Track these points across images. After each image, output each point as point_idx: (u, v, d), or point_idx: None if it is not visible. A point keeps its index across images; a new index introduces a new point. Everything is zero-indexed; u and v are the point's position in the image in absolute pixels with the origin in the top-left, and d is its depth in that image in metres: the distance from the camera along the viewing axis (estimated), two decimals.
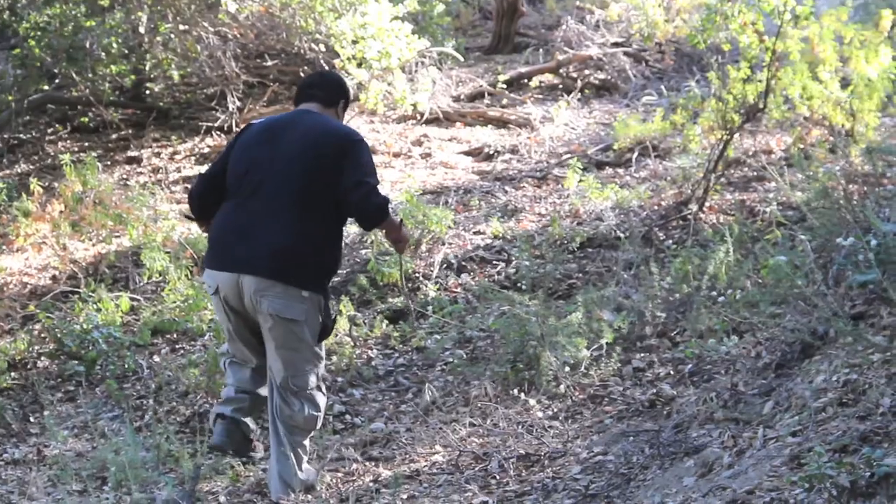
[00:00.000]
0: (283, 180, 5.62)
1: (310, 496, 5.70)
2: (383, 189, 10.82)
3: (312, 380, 5.74)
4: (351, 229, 9.88)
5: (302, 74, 14.07)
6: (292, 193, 5.59)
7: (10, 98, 13.17)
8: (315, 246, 5.62)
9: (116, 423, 7.16)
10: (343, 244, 5.95)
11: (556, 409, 6.66)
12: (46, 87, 13.49)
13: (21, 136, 13.69)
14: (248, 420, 6.01)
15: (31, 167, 12.80)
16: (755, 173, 10.36)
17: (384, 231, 6.21)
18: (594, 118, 13.47)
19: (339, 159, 5.62)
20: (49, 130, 13.91)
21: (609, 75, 14.74)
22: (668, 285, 7.90)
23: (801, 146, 10.35)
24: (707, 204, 9.57)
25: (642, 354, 7.30)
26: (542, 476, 5.54)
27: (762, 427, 5.11)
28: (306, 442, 5.83)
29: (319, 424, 5.88)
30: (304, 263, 5.57)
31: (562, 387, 6.86)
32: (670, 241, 9.09)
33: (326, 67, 13.55)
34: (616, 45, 15.41)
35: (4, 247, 9.68)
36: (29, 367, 8.08)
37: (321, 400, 5.80)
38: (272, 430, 5.75)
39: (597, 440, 5.91)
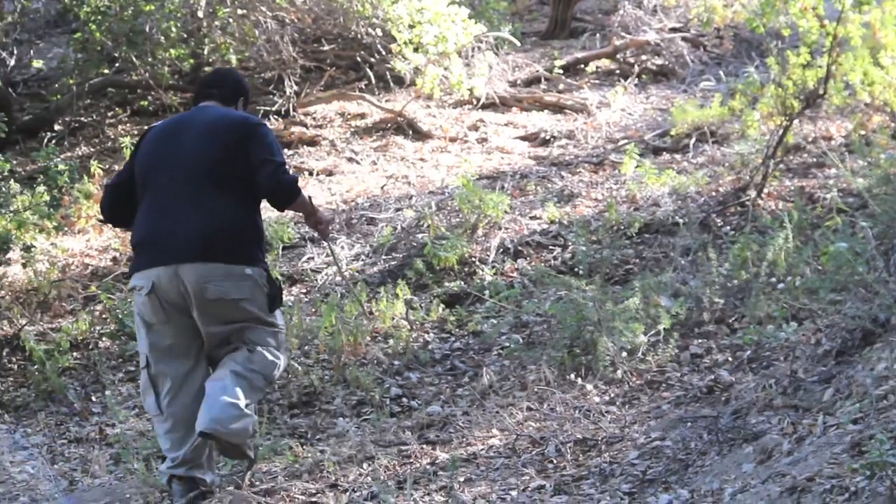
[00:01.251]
0: (193, 170, 5.54)
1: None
2: (291, 168, 10.92)
3: (272, 341, 5.62)
4: (406, 214, 9.92)
5: (359, 59, 14.13)
6: (203, 180, 5.52)
7: (71, 82, 13.29)
8: (240, 224, 5.54)
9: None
10: (262, 221, 5.77)
11: (613, 395, 6.65)
12: (107, 71, 13.60)
13: (82, 119, 13.82)
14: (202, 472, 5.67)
15: (92, 150, 12.92)
16: (815, 160, 10.29)
17: (302, 214, 6.16)
18: (651, 104, 13.42)
19: (243, 143, 5.56)
20: (109, 114, 14.03)
21: (666, 61, 14.67)
22: (726, 271, 7.86)
23: (862, 132, 10.27)
24: (766, 190, 9.51)
25: (700, 340, 7.28)
26: (600, 461, 5.54)
27: (822, 414, 5.09)
28: (260, 395, 5.62)
29: (275, 379, 5.75)
30: (236, 241, 5.50)
31: (619, 372, 6.85)
32: (728, 228, 9.05)
33: (383, 52, 13.61)
34: (674, 30, 15.32)
35: (66, 228, 9.78)
36: (90, 347, 8.18)
37: (281, 357, 5.67)
38: (210, 381, 5.45)
39: (654, 425, 5.90)
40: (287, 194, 5.67)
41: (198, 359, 5.62)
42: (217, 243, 5.44)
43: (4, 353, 8.34)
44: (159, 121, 6.26)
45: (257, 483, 5.77)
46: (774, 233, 8.01)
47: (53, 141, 12.98)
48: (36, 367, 7.79)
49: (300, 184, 5.85)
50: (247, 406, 5.37)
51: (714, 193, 9.77)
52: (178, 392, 5.55)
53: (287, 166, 5.69)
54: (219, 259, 5.44)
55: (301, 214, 6.31)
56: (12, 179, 9.25)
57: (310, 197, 5.97)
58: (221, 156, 5.52)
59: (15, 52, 15.06)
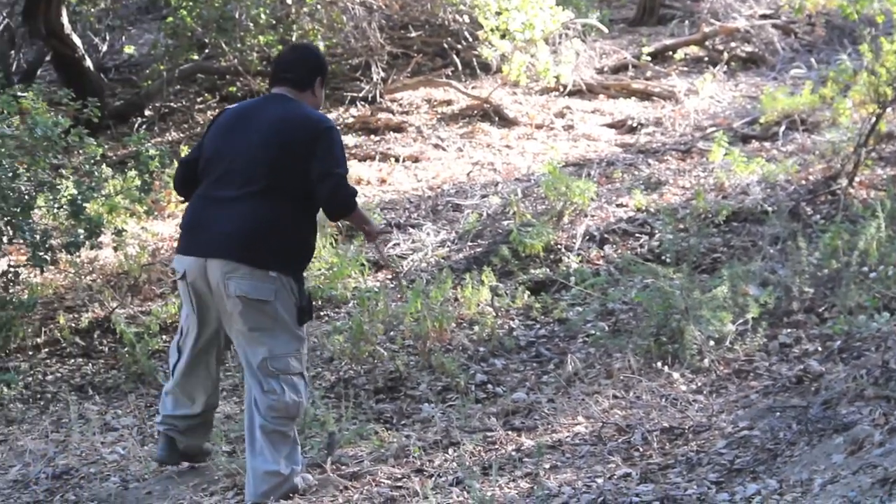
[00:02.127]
0: (248, 166, 5.48)
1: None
2: (352, 180, 10.89)
3: (294, 364, 5.52)
4: (492, 201, 9.92)
5: (445, 45, 14.14)
6: (257, 179, 5.44)
7: (161, 67, 13.46)
8: (281, 229, 5.43)
9: None
10: (316, 232, 5.75)
11: (700, 383, 6.61)
12: (196, 57, 13.75)
13: (172, 104, 13.98)
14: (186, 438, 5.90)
15: (182, 135, 13.07)
16: None
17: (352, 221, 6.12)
18: (740, 91, 13.29)
19: (307, 147, 5.44)
20: (198, 99, 14.18)
21: (756, 48, 14.51)
22: (816, 261, 7.77)
23: None
24: (857, 179, 9.39)
25: (789, 330, 7.21)
26: (686, 449, 5.51)
27: None
28: (291, 434, 5.55)
29: (301, 413, 5.65)
30: (269, 245, 5.41)
31: (706, 361, 6.80)
32: (818, 216, 8.94)
33: (470, 38, 13.61)
34: (764, 16, 15.14)
35: (156, 212, 9.90)
36: None
37: (302, 388, 5.55)
38: (247, 428, 5.54)
39: (742, 415, 5.85)
40: (343, 209, 5.63)
41: (217, 349, 5.79)
42: (249, 245, 5.39)
43: (96, 336, 8.47)
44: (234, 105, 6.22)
45: (343, 467, 5.81)
46: (866, 222, 7.91)
47: (144, 126, 13.16)
48: (126, 349, 7.90)
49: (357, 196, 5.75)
50: (285, 464, 5.46)
51: (804, 182, 9.66)
52: (189, 370, 5.76)
53: (348, 177, 5.62)
54: (245, 260, 5.39)
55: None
56: (104, 164, 9.37)
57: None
58: (282, 157, 5.44)
59: (107, 38, 15.31)
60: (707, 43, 14.77)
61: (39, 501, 5.83)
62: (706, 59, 14.50)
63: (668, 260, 8.32)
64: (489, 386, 7.14)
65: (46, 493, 5.94)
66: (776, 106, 11.52)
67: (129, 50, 15.68)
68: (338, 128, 5.72)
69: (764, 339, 7.01)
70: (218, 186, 5.56)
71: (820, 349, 6.77)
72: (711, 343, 6.94)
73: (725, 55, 14.30)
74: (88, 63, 13.32)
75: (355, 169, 11.52)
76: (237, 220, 5.42)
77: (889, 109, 9.65)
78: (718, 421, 5.84)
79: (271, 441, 5.44)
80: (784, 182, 9.65)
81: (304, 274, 5.72)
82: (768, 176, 9.68)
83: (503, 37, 12.65)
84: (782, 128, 11.33)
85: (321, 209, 5.58)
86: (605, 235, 9.15)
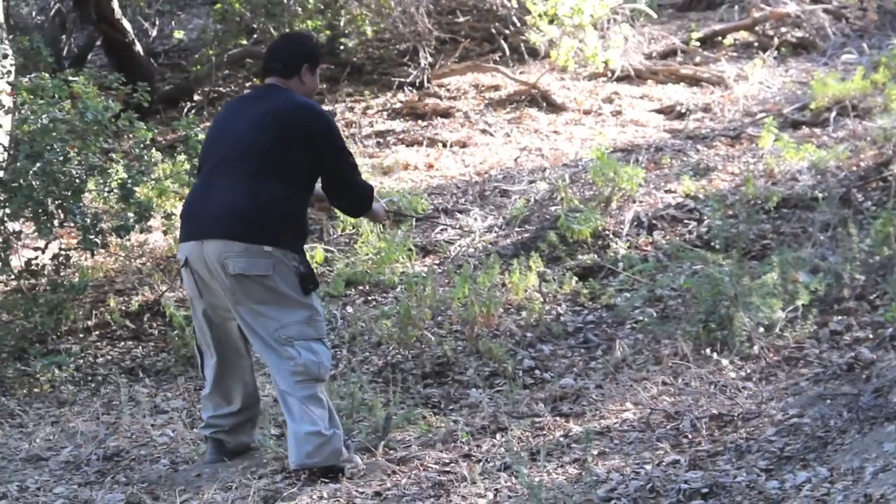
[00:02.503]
0: (243, 155, 5.55)
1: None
2: (400, 166, 11.08)
3: (308, 330, 5.55)
4: (539, 186, 9.90)
5: (493, 31, 14.11)
6: (251, 165, 5.51)
7: (210, 52, 13.53)
8: (273, 207, 5.49)
9: None
10: (306, 210, 5.76)
11: (749, 370, 6.58)
12: (245, 42, 13.79)
13: (220, 89, 14.02)
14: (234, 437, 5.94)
15: None
16: None
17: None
18: (790, 77, 13.17)
19: (303, 138, 5.54)
20: (247, 84, 14.21)
21: (807, 33, 14.37)
22: (867, 247, 7.71)
23: None
24: None
25: (840, 317, 7.16)
26: (736, 437, 5.49)
27: None
28: (322, 398, 5.56)
29: (326, 375, 5.64)
30: (262, 222, 5.46)
31: (755, 348, 6.77)
32: (870, 203, 8.86)
33: (518, 24, 13.59)
34: (815, 1, 14.98)
35: None
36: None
37: (321, 351, 5.57)
38: (280, 403, 5.60)
39: (792, 402, 5.82)
40: (359, 207, 5.98)
41: (239, 339, 5.78)
42: (240, 222, 5.45)
43: (145, 319, 8.54)
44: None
45: (391, 451, 5.82)
46: None
47: (193, 110, 13.23)
48: (176, 332, 7.95)
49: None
50: (326, 425, 5.49)
51: (855, 168, 9.57)
52: (221, 368, 5.80)
53: (358, 169, 5.84)
54: (238, 237, 5.44)
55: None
56: (154, 148, 9.43)
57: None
58: (275, 145, 5.51)
59: (157, 22, 15.38)
60: (757, 28, 14.64)
61: (90, 482, 5.87)
62: (756, 44, 14.38)
63: (717, 246, 8.28)
64: (537, 371, 7.15)
65: (97, 474, 5.99)
66: (827, 92, 11.41)
67: (178, 35, 15.74)
68: (328, 113, 5.86)
69: (814, 326, 6.97)
70: (214, 174, 5.65)
71: (871, 336, 6.72)
72: (761, 330, 6.90)
73: (776, 40, 14.18)
74: (138, 48, 13.41)
75: (403, 154, 11.54)
76: (230, 201, 5.50)
77: None
78: (768, 408, 5.81)
79: (305, 405, 5.48)
80: (835, 168, 9.57)
81: (306, 248, 5.80)
82: (819, 162, 9.59)
83: (551, 22, 12.62)
84: (833, 114, 11.23)
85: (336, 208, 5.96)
86: (654, 221, 9.11)
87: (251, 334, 5.60)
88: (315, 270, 5.82)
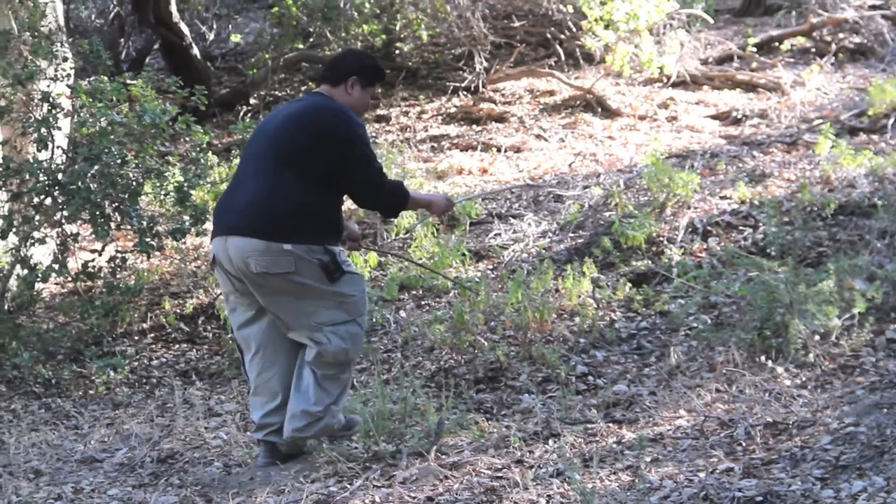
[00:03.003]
0: (271, 151, 5.66)
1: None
2: (454, 171, 11.02)
3: (339, 314, 5.72)
4: (593, 192, 9.87)
5: (549, 36, 14.10)
6: (278, 162, 5.60)
7: (266, 56, 13.61)
8: (294, 200, 5.57)
9: (364, 376, 7.35)
10: (337, 210, 5.80)
11: (804, 378, 6.52)
12: (301, 46, 13.87)
13: (276, 93, 14.11)
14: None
15: None
16: None
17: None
18: (848, 83, 13.07)
19: (326, 141, 5.61)
20: (303, 88, 14.29)
21: (865, 39, 14.26)
22: None
23: None
24: None
25: None
26: (790, 445, 5.44)
27: None
28: (342, 376, 5.83)
29: (356, 357, 5.88)
30: (282, 217, 5.54)
31: (811, 356, 6.71)
32: None
33: (573, 28, 13.57)
34: (874, 7, 14.87)
35: None
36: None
37: (354, 333, 5.78)
38: (297, 369, 5.81)
39: (848, 411, 5.76)
40: (394, 211, 6.05)
41: (276, 330, 5.83)
42: (259, 218, 5.56)
43: (200, 322, 8.60)
44: None
45: (443, 456, 5.82)
46: None
47: (249, 114, 13.32)
48: (230, 335, 7.98)
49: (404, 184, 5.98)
50: (326, 406, 5.76)
51: None
52: (261, 362, 5.87)
53: (382, 174, 5.81)
54: (257, 234, 5.54)
55: None
56: (210, 152, 9.49)
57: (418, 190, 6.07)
58: (302, 144, 5.61)
59: (214, 26, 15.50)
60: (814, 34, 14.55)
61: (145, 484, 5.92)
62: (813, 50, 14.30)
63: (772, 253, 8.22)
64: (590, 377, 7.12)
65: (151, 476, 6.04)
66: (885, 98, 11.32)
67: (235, 38, 15.86)
68: (357, 120, 5.80)
69: (871, 334, 6.90)
70: (243, 173, 5.81)
71: None
72: (816, 338, 6.84)
73: (833, 46, 14.09)
74: (195, 51, 13.51)
75: (457, 158, 11.55)
76: (251, 197, 5.62)
77: None
78: (823, 416, 5.76)
79: (319, 382, 5.74)
80: (893, 175, 9.47)
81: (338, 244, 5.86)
82: (876, 169, 9.51)
83: (607, 27, 12.60)
84: (891, 120, 11.13)
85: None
86: (709, 228, 9.06)
87: (283, 324, 5.76)
88: (362, 267, 5.86)
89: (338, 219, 5.80)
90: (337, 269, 5.67)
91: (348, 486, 5.47)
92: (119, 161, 8.13)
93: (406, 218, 9.26)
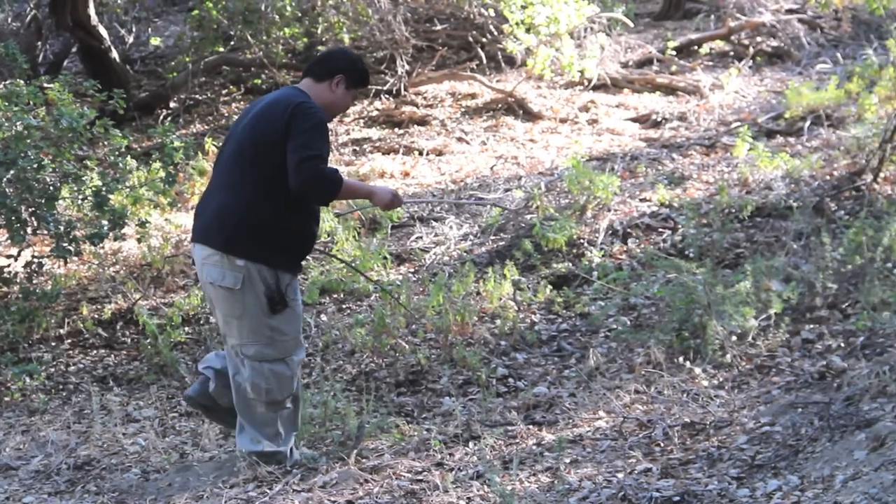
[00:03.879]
0: (237, 152, 5.59)
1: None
2: (376, 174, 10.93)
3: (268, 351, 5.60)
4: (515, 194, 9.90)
5: (470, 39, 14.12)
6: (243, 164, 5.53)
7: (187, 59, 13.49)
8: (259, 217, 5.48)
9: None
10: (309, 221, 5.67)
11: (721, 379, 6.59)
12: (222, 49, 13.76)
13: (197, 96, 14.00)
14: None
15: (206, 127, 13.09)
16: None
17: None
18: (765, 86, 13.24)
19: (282, 130, 5.45)
20: (223, 91, 14.20)
21: (782, 42, 14.45)
22: (839, 256, 7.74)
23: None
24: (882, 174, 9.34)
25: (812, 326, 7.18)
26: (707, 445, 5.49)
27: None
28: (262, 412, 5.66)
29: (280, 398, 5.66)
30: (243, 233, 5.47)
31: (728, 356, 6.78)
32: (842, 212, 8.90)
33: (495, 32, 13.61)
34: (790, 11, 15.09)
35: (180, 204, 9.92)
36: (201, 322, 8.29)
37: (279, 373, 5.63)
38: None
39: (764, 411, 5.83)
40: (323, 195, 5.57)
41: None
42: (221, 231, 5.51)
43: (118, 327, 8.50)
44: None
45: (364, 460, 5.80)
46: (890, 217, 7.88)
47: (169, 118, 13.20)
48: (149, 341, 7.93)
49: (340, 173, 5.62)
50: (270, 443, 5.68)
51: (828, 177, 9.62)
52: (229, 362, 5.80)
53: (321, 158, 5.47)
54: (217, 245, 5.52)
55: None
56: (129, 156, 9.39)
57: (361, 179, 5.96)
58: (264, 141, 5.49)
59: (133, 29, 15.34)
60: (732, 37, 14.72)
61: (61, 492, 5.85)
62: (731, 53, 14.46)
63: (691, 255, 8.31)
64: (510, 380, 7.15)
65: (68, 483, 5.97)
66: (801, 101, 11.47)
67: (154, 42, 15.73)
68: (317, 107, 5.60)
69: (787, 334, 6.99)
70: (215, 176, 5.75)
71: (843, 345, 6.74)
72: (734, 338, 6.92)
73: (751, 50, 14.26)
74: (114, 54, 13.36)
75: (379, 162, 11.52)
76: (215, 207, 5.59)
77: None
78: (740, 416, 5.82)
79: (251, 423, 5.67)
80: (808, 178, 9.61)
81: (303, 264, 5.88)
82: (792, 171, 9.64)
83: (528, 31, 12.64)
84: (807, 123, 11.29)
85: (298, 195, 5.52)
86: (629, 230, 9.13)
87: (224, 338, 5.73)
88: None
89: (298, 241, 5.65)
90: (281, 300, 5.57)
91: (268, 491, 5.44)
92: (35, 165, 8.01)
93: (327, 223, 9.21)
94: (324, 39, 13.69)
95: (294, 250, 5.66)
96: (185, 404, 7.17)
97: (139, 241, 9.05)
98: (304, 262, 6.06)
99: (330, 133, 5.80)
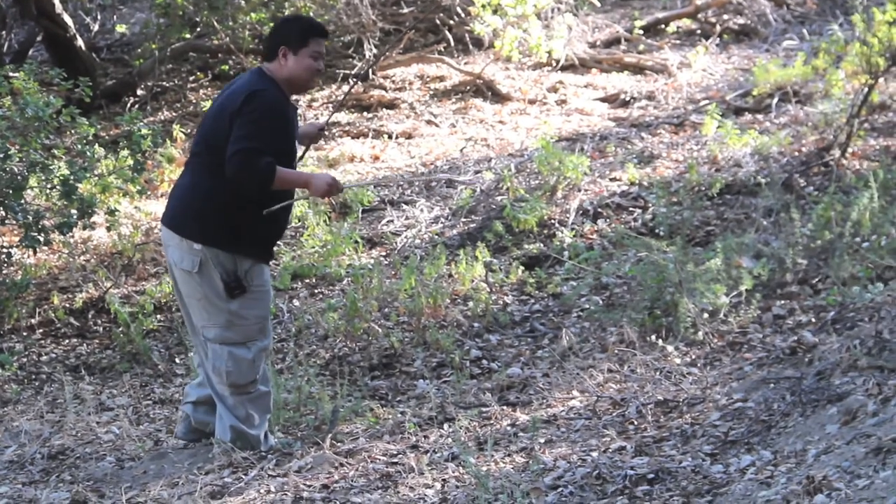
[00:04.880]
0: (199, 139, 5.71)
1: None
2: (346, 158, 10.94)
3: (229, 335, 5.65)
4: (485, 176, 9.90)
5: (438, 21, 14.10)
6: (199, 151, 5.66)
7: (153, 46, 13.41)
8: (214, 203, 5.52)
9: None
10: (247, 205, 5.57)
11: (694, 356, 6.62)
12: (188, 36, 13.66)
13: (164, 83, 13.93)
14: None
15: (174, 114, 13.03)
16: None
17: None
18: (733, 64, 13.26)
19: (235, 115, 5.48)
20: (191, 78, 14.13)
21: (749, 20, 14.47)
22: (809, 232, 7.78)
23: None
24: (850, 150, 9.39)
25: (782, 302, 7.22)
26: (681, 422, 5.52)
27: None
28: (232, 398, 5.70)
29: (241, 381, 5.67)
30: (196, 218, 5.56)
31: (700, 333, 6.81)
32: (811, 188, 8.94)
33: (462, 14, 13.59)
34: None
35: (149, 192, 9.87)
36: (174, 309, 8.26)
37: (239, 357, 5.66)
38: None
39: (736, 387, 5.86)
40: (253, 186, 5.48)
41: None
42: (181, 216, 5.64)
43: (90, 316, 8.47)
44: None
45: (339, 444, 5.81)
46: (859, 192, 7.92)
47: (136, 105, 13.14)
48: (121, 329, 7.91)
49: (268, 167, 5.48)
50: (243, 421, 5.73)
51: (797, 154, 9.65)
52: (195, 347, 5.94)
53: (256, 150, 5.39)
54: (176, 229, 5.64)
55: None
56: (96, 144, 9.33)
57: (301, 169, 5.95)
58: (220, 128, 5.54)
59: (98, 17, 15.24)
60: (699, 16, 14.73)
61: (35, 482, 5.83)
62: (698, 31, 14.47)
63: (661, 233, 8.33)
64: (484, 361, 7.16)
65: (42, 473, 5.95)
66: (769, 78, 11.51)
67: (120, 29, 15.63)
68: (270, 96, 5.57)
69: (758, 310, 7.02)
70: (187, 163, 5.85)
71: (813, 320, 6.78)
72: (705, 316, 6.95)
73: (718, 28, 14.28)
74: (80, 43, 13.27)
75: (348, 146, 11.51)
76: (177, 192, 5.74)
77: (881, 80, 9.65)
78: (713, 393, 5.85)
79: (223, 405, 5.74)
80: (777, 154, 9.65)
81: (272, 250, 5.92)
82: (761, 148, 9.67)
83: (495, 12, 12.62)
84: (775, 100, 11.33)
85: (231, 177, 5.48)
86: (599, 210, 9.14)
87: (188, 322, 5.84)
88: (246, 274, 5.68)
89: (254, 228, 5.61)
90: (238, 286, 5.60)
91: (243, 477, 5.44)
92: (2, 155, 7.96)
93: (298, 208, 9.19)
94: None
95: (250, 237, 5.64)
96: (158, 392, 7.19)
97: (109, 229, 9.01)
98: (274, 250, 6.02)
99: (284, 120, 5.65)
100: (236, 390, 5.69)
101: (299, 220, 9.28)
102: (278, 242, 6.76)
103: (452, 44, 13.91)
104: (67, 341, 8.18)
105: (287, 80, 5.70)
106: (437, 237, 9.09)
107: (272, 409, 5.92)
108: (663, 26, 14.65)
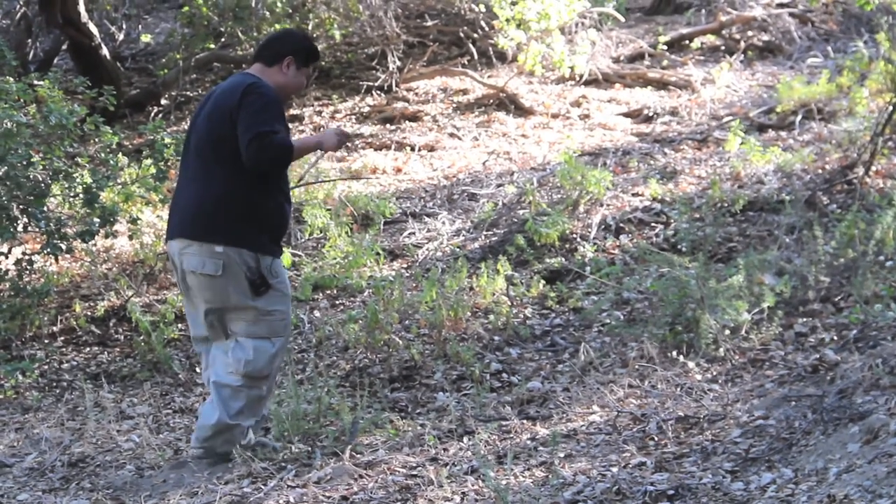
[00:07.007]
0: (199, 144, 5.70)
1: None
2: (368, 170, 10.97)
3: (254, 330, 5.72)
4: (507, 190, 9.90)
5: (461, 35, 14.12)
6: (206, 154, 5.65)
7: (178, 56, 13.48)
8: (228, 202, 5.58)
9: (279, 376, 7.29)
10: (279, 195, 5.74)
11: (715, 373, 6.59)
12: (213, 46, 13.74)
13: (188, 93, 13.99)
14: None
15: None
16: None
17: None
18: (757, 80, 13.24)
19: (237, 112, 5.54)
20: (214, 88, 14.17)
21: (773, 37, 14.45)
22: (832, 250, 7.75)
23: None
24: (874, 168, 9.36)
25: (805, 319, 7.19)
26: (702, 438, 5.49)
27: None
28: (245, 391, 5.75)
29: (258, 374, 5.75)
30: (214, 221, 5.58)
31: (721, 350, 6.78)
32: (835, 206, 8.92)
33: (486, 28, 13.61)
34: (781, 5, 15.07)
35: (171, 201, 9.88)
36: None
37: (262, 349, 5.73)
38: (211, 388, 5.86)
39: (757, 404, 5.83)
40: (277, 165, 5.66)
41: (215, 334, 5.86)
42: (194, 220, 5.64)
43: (111, 324, 8.49)
44: None
45: (358, 455, 5.80)
46: (882, 211, 7.89)
47: (160, 115, 13.20)
48: (142, 337, 7.92)
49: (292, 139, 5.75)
50: (230, 417, 5.73)
51: (820, 171, 9.62)
52: (205, 364, 5.98)
53: (270, 132, 5.51)
54: (194, 237, 5.64)
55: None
56: (120, 153, 9.38)
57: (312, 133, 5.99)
58: (221, 128, 5.58)
59: (124, 26, 15.32)
60: (724, 32, 14.72)
61: (55, 489, 5.83)
62: (723, 48, 14.46)
63: (683, 249, 8.31)
64: (504, 375, 7.15)
65: (62, 480, 5.95)
66: (793, 95, 11.49)
67: (145, 38, 15.71)
68: (267, 87, 5.68)
69: (779, 328, 7.00)
70: (183, 170, 5.87)
71: (836, 338, 6.75)
72: (727, 332, 6.92)
73: (742, 44, 14.26)
74: (105, 52, 13.33)
75: (371, 158, 11.52)
76: (187, 199, 5.71)
77: None
78: (733, 410, 5.82)
79: (219, 395, 5.73)
80: (800, 171, 9.62)
81: (281, 246, 5.93)
82: (784, 165, 9.65)
83: (519, 26, 12.64)
84: (799, 117, 11.30)
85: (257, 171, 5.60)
86: (621, 225, 9.13)
87: (209, 326, 5.81)
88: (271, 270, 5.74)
89: (272, 221, 5.73)
90: (263, 283, 5.67)
91: (262, 487, 5.43)
92: (25, 163, 7.99)
93: (320, 219, 9.21)
94: (315, 35, 13.68)
95: (269, 231, 5.74)
96: (178, 401, 7.20)
97: (131, 237, 9.03)
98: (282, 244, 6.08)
99: (282, 107, 5.77)
100: (248, 381, 5.73)
101: (321, 231, 9.29)
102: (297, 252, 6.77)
103: (476, 57, 13.94)
104: (88, 349, 8.20)
105: (280, 87, 5.82)
106: (458, 250, 9.08)
107: (266, 413, 6.01)
108: (687, 42, 14.65)
